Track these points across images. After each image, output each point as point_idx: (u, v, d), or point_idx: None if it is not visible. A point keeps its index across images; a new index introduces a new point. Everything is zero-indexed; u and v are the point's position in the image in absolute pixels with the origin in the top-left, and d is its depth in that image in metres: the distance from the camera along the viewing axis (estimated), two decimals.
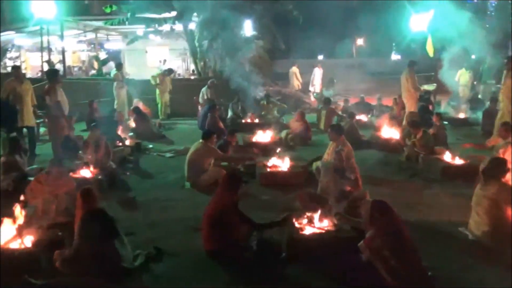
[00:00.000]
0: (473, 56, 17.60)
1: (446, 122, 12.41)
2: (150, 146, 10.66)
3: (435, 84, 16.33)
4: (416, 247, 4.16)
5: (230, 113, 13.77)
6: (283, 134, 10.95)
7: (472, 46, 16.68)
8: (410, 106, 11.84)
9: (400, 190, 7.27)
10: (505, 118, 9.73)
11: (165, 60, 21.82)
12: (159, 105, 15.36)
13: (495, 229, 4.96)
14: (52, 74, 9.18)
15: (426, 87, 15.24)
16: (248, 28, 18.88)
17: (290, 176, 7.57)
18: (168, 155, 9.89)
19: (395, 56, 32.43)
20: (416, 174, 8.08)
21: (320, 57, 30.07)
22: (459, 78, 15.84)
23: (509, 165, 5.45)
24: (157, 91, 15.27)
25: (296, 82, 20.07)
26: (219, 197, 5.02)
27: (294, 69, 20.19)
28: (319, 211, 5.19)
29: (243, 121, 13.21)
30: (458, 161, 8.08)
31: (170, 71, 15.82)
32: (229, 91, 14.72)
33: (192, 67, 20.36)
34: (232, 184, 5.06)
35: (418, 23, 18.60)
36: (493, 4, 28.81)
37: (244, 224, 4.99)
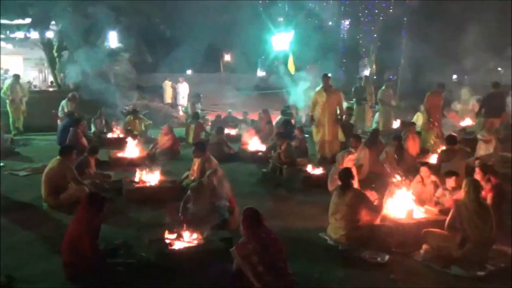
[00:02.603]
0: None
1: (307, 135, 13.31)
2: (1, 164, 9.67)
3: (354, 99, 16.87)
4: (284, 254, 4.38)
5: (93, 128, 13.12)
6: (152, 149, 10.77)
7: (328, 65, 18.25)
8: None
9: (265, 200, 7.61)
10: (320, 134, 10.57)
11: (7, 70, 20.01)
12: (11, 119, 14.00)
13: (350, 232, 5.47)
14: None
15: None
16: (113, 40, 18.31)
17: (159, 191, 7.45)
18: (22, 173, 9.06)
19: (260, 73, 33.89)
20: (281, 184, 8.51)
21: (189, 72, 30.26)
22: None
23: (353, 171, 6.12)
24: (8, 103, 13.90)
25: (169, 95, 20.14)
26: (81, 218, 4.74)
27: (167, 83, 20.24)
28: (190, 225, 5.22)
29: (108, 136, 12.68)
30: (317, 171, 8.72)
31: (16, 77, 14.40)
32: (92, 105, 14.03)
33: (51, 78, 19.04)
34: (95, 203, 4.82)
35: (280, 42, 19.87)
36: (345, 28, 31.93)
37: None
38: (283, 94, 17.57)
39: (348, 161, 7.09)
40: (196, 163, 7.79)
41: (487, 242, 5.06)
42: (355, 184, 5.92)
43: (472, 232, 4.98)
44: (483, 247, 5.03)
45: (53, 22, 16.27)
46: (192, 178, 7.67)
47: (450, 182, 6.37)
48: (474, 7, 19.77)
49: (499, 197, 6.06)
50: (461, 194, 5.31)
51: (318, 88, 10.56)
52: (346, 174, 5.89)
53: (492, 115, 11.66)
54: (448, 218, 5.22)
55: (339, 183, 5.92)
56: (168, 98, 20.20)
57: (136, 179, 7.69)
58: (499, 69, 22.45)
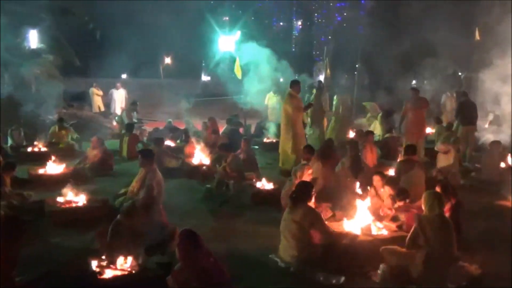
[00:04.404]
0: (281, 79, 19.48)
1: (256, 147, 13.38)
2: None
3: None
4: (227, 278, 4.37)
5: (10, 141, 12.60)
6: (80, 164, 10.50)
7: (280, 69, 18.48)
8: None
9: (210, 219, 7.60)
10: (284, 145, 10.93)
11: None
12: None
13: (302, 252, 5.52)
14: None
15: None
16: (33, 39, 17.74)
17: (87, 213, 7.28)
18: None
19: (205, 77, 33.91)
20: (227, 201, 8.49)
21: (124, 76, 29.81)
22: (268, 102, 17.28)
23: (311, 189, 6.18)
24: None
25: (97, 103, 19.70)
26: None
27: (94, 90, 19.80)
28: (122, 251, 5.11)
29: (28, 150, 12.21)
30: (268, 186, 8.78)
31: None
32: (8, 114, 13.50)
33: None
34: (11, 229, 4.61)
35: (226, 44, 19.92)
36: (298, 29, 32.57)
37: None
38: (230, 101, 17.62)
39: (308, 176, 7.17)
40: (141, 174, 7.60)
41: (451, 258, 5.21)
42: (311, 203, 5.94)
43: (437, 248, 5.10)
44: (446, 263, 5.17)
45: None
46: (133, 190, 7.48)
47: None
48: (434, 10, 20.68)
49: (457, 216, 6.30)
50: (422, 209, 5.40)
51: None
52: (305, 188, 5.93)
53: (467, 123, 12.69)
54: (409, 235, 5.30)
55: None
56: (95, 107, 19.74)
57: (61, 199, 7.47)
58: (460, 73, 23.57)
